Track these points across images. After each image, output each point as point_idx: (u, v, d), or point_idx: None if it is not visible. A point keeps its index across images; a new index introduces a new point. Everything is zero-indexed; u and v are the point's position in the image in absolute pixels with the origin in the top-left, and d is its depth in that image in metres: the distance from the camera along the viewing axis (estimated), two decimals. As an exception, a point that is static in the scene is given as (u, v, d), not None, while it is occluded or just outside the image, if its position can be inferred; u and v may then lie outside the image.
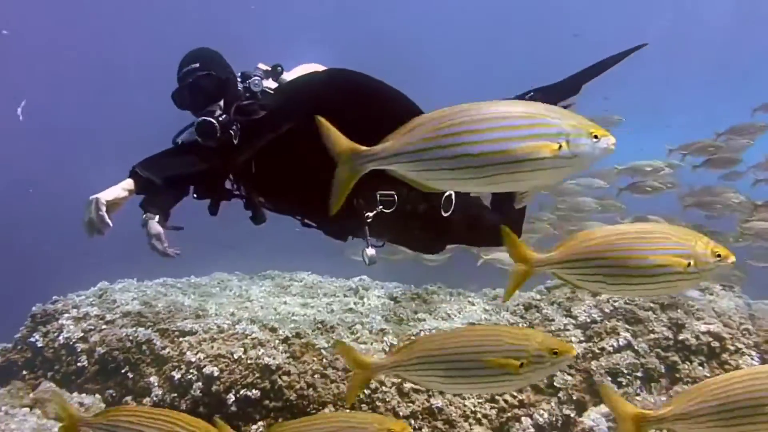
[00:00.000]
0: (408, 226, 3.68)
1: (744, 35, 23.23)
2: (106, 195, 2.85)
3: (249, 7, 24.41)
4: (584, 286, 2.26)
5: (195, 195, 3.37)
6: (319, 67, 3.60)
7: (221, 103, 3.20)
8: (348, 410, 4.43)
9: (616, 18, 23.69)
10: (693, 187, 7.04)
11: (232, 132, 3.11)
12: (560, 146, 1.82)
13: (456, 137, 1.85)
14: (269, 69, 3.43)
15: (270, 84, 3.37)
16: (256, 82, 3.27)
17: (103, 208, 2.78)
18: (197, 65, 3.22)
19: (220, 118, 3.12)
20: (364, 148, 1.99)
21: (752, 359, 4.90)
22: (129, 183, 2.98)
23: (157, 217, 3.25)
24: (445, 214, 3.66)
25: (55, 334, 5.50)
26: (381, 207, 3.43)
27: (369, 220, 3.42)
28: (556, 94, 3.92)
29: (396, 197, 3.46)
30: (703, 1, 23.95)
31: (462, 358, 2.31)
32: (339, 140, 2.02)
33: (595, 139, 1.84)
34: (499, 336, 2.31)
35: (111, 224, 2.80)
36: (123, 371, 5.09)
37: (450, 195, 3.66)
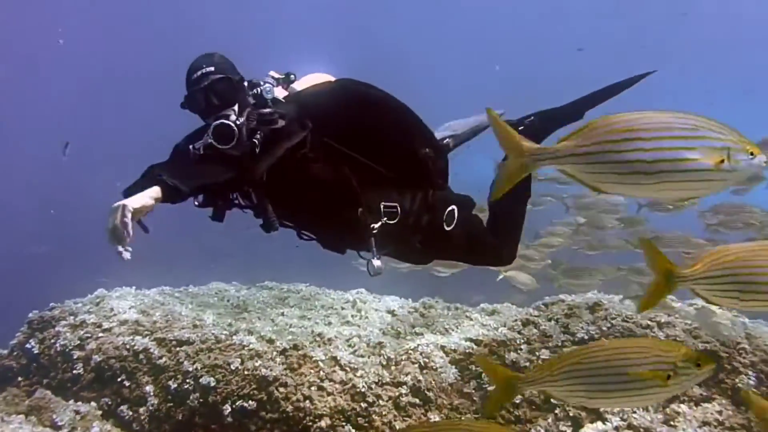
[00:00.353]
0: (410, 238, 3.69)
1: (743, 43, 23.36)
2: (133, 203, 2.70)
3: (248, 16, 24.53)
4: (718, 301, 2.33)
5: (196, 203, 3.35)
6: (328, 77, 3.61)
7: (235, 107, 3.16)
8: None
9: (615, 25, 23.87)
10: (716, 205, 6.88)
11: (256, 140, 3.07)
12: (723, 160, 1.89)
13: (629, 143, 1.93)
14: (281, 77, 3.43)
15: (279, 92, 3.37)
16: (268, 89, 3.25)
17: (129, 215, 2.63)
18: (212, 68, 3.17)
19: (237, 122, 3.08)
20: (537, 145, 2.08)
21: (749, 378, 4.90)
22: (156, 191, 2.82)
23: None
24: (447, 228, 3.67)
25: (52, 341, 5.50)
26: (385, 219, 3.43)
27: (374, 232, 3.41)
28: (557, 118, 3.94)
29: (399, 209, 3.47)
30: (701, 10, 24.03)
31: (609, 371, 2.36)
32: (511, 136, 2.10)
33: (751, 156, 1.92)
34: (645, 349, 2.36)
35: (132, 234, 2.64)
36: (119, 380, 5.09)
37: (453, 209, 3.67)
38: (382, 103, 3.42)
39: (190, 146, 3.17)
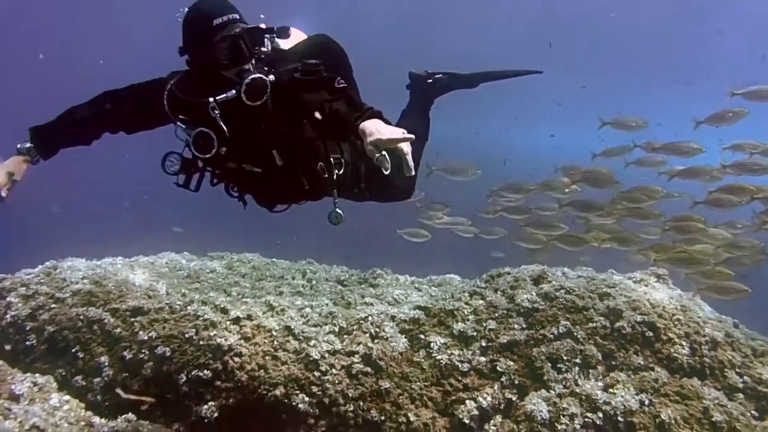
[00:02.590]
0: (354, 184, 3.79)
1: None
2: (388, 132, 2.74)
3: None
4: None
5: (171, 172, 3.32)
6: (301, 34, 3.62)
7: (252, 61, 3.11)
8: None
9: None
10: None
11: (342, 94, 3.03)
12: None
13: None
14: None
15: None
16: (266, 44, 3.19)
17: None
18: (237, 16, 3.07)
19: (268, 78, 3.04)
20: None
21: (683, 348, 5.16)
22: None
23: (34, 159, 3.19)
24: (386, 172, 3.83)
25: (2, 312, 5.44)
26: (336, 170, 3.49)
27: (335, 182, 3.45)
28: (458, 82, 4.67)
29: (341, 160, 3.55)
30: None
31: None
32: None
33: None
34: None
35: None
36: (73, 351, 5.09)
37: (384, 154, 3.85)
38: (344, 61, 3.55)
39: (210, 98, 3.04)
